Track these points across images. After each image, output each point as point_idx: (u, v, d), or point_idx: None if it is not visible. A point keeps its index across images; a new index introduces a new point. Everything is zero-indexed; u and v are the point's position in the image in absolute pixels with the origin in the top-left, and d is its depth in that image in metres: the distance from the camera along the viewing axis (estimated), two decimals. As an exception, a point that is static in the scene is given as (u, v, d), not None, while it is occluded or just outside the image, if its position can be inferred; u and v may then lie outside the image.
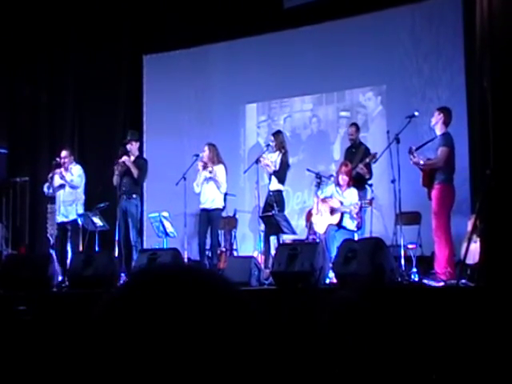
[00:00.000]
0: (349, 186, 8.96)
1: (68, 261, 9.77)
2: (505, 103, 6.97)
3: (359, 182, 9.08)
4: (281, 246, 8.52)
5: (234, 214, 10.50)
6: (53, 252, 9.93)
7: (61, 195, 10.02)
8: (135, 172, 9.68)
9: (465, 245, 7.15)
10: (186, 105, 11.88)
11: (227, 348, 0.83)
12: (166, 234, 9.61)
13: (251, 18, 10.98)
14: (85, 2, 11.90)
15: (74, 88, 12.32)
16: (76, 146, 11.92)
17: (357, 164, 9.09)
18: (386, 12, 10.30)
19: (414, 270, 7.66)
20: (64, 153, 10.14)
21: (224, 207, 9.65)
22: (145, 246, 10.39)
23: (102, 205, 9.87)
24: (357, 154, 9.34)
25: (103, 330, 0.84)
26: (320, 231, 8.91)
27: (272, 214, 9.02)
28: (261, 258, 9.02)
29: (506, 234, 6.51)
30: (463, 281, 6.84)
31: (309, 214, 9.47)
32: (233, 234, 10.45)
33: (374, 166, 9.05)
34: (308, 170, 9.73)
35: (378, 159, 8.69)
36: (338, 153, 10.49)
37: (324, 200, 9.03)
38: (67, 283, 9.04)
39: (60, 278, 9.05)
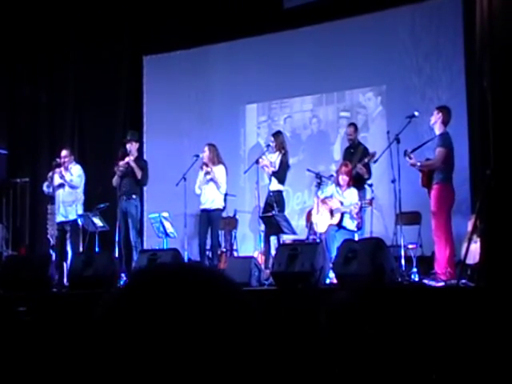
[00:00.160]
0: (349, 186, 8.97)
1: (68, 261, 9.79)
2: (505, 103, 6.97)
3: (358, 181, 9.08)
4: (281, 246, 8.52)
5: (234, 215, 10.50)
6: (53, 253, 9.93)
7: (60, 195, 10.01)
8: (139, 173, 9.67)
9: (465, 245, 7.15)
10: (186, 105, 11.88)
11: (228, 347, 0.83)
12: (166, 235, 9.60)
13: (251, 18, 10.98)
14: (85, 2, 11.90)
15: (74, 88, 12.32)
16: (76, 146, 11.91)
17: (355, 164, 9.10)
18: (386, 12, 10.30)
19: (415, 270, 7.66)
20: (64, 152, 10.13)
21: (224, 207, 9.65)
22: (145, 247, 10.39)
23: (102, 205, 9.87)
24: (355, 154, 9.35)
25: (105, 330, 0.84)
26: (320, 231, 8.90)
27: (272, 214, 9.02)
28: (261, 259, 9.02)
29: (506, 234, 6.51)
30: (463, 281, 6.84)
31: (309, 214, 9.47)
32: (233, 234, 10.45)
33: (374, 166, 9.05)
34: (308, 170, 9.73)
35: (378, 159, 8.68)
36: (338, 153, 10.49)
37: (324, 200, 9.03)
38: (64, 284, 9.06)
39: (56, 279, 9.04)
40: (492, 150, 7.10)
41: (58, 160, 10.09)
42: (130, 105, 12.23)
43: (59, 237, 10.08)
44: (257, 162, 9.43)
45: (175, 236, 9.67)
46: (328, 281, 7.67)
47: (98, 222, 9.76)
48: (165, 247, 9.40)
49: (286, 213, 9.44)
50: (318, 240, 8.80)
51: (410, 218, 8.69)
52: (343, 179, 8.95)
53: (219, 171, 9.42)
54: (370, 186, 9.06)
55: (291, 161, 9.85)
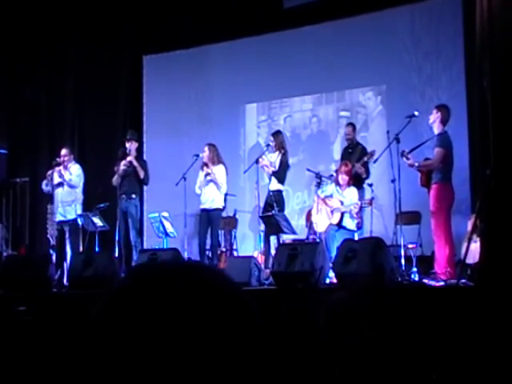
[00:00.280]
0: (349, 185, 8.97)
1: (66, 261, 9.80)
2: (505, 103, 6.97)
3: (356, 181, 9.09)
4: (281, 245, 8.52)
5: (234, 214, 10.50)
6: (53, 253, 9.93)
7: (59, 194, 10.01)
8: (141, 173, 9.67)
9: (465, 245, 7.15)
10: (186, 105, 11.88)
11: (226, 345, 0.82)
12: (166, 234, 9.61)
13: (251, 18, 10.98)
14: (85, 2, 11.89)
15: (73, 88, 12.32)
16: (76, 146, 11.91)
17: (353, 164, 9.10)
18: (386, 12, 10.30)
19: (414, 269, 7.65)
20: (64, 151, 10.13)
21: (224, 207, 9.65)
22: (145, 247, 10.39)
23: (102, 205, 9.87)
24: (354, 153, 9.36)
25: (102, 329, 0.84)
26: (320, 231, 8.91)
27: (272, 213, 9.03)
28: (261, 258, 9.02)
29: (506, 234, 6.51)
30: (463, 280, 6.84)
31: (309, 214, 9.48)
32: (233, 234, 10.45)
33: (374, 166, 9.05)
34: (308, 169, 9.73)
35: (377, 159, 8.67)
36: (337, 153, 10.48)
37: (324, 200, 9.04)
38: (64, 284, 9.06)
39: (56, 279, 9.04)
40: (492, 149, 7.10)
41: (57, 160, 10.10)
42: (130, 104, 12.23)
43: (58, 236, 10.08)
44: (257, 161, 9.43)
45: (175, 236, 9.67)
46: (328, 280, 7.67)
47: (97, 221, 9.76)
48: (165, 247, 9.40)
49: (286, 212, 9.44)
50: (317, 240, 8.80)
51: (410, 217, 8.69)
52: (343, 178, 8.96)
53: (219, 171, 9.42)
54: (370, 185, 9.06)
55: (291, 160, 9.85)
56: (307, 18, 10.61)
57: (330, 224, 8.81)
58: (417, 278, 7.49)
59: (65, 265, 9.75)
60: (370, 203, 8.90)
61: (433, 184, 7.78)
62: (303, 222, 9.84)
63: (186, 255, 9.33)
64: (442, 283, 7.08)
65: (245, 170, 10.04)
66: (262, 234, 9.42)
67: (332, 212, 8.90)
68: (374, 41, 10.32)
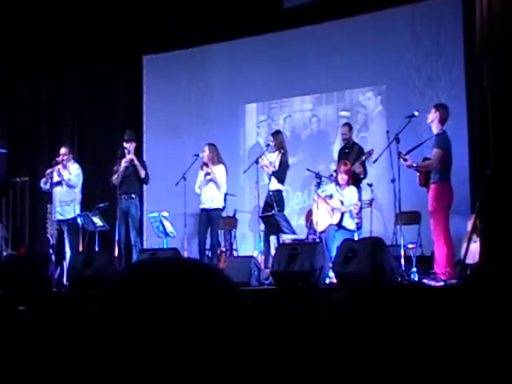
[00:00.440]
0: (348, 184, 8.98)
1: (65, 260, 9.80)
2: (505, 103, 6.97)
3: (354, 181, 9.10)
4: (281, 245, 8.53)
5: (234, 214, 10.50)
6: (52, 252, 9.93)
7: (57, 194, 10.01)
8: (142, 172, 9.67)
9: (465, 245, 7.14)
10: (186, 105, 11.88)
11: (223, 344, 0.82)
12: (166, 234, 9.61)
13: (251, 18, 10.98)
14: (85, 1, 11.89)
15: (73, 88, 12.32)
16: (76, 145, 11.91)
17: (352, 163, 9.11)
18: (386, 12, 10.30)
19: (414, 269, 7.65)
20: (63, 150, 10.14)
21: (224, 207, 9.65)
22: (145, 246, 10.39)
23: (101, 205, 9.87)
24: (351, 153, 9.36)
25: (98, 326, 0.83)
26: (320, 230, 8.91)
27: (272, 213, 9.03)
28: (261, 258, 9.02)
29: (506, 234, 6.51)
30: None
31: (309, 214, 9.48)
32: (233, 233, 10.45)
33: (373, 166, 9.04)
34: (308, 169, 9.74)
35: (377, 159, 8.66)
36: (337, 153, 10.49)
37: (324, 200, 9.04)
38: (64, 283, 9.06)
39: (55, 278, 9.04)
40: (492, 149, 7.10)
41: (57, 159, 10.10)
42: (130, 104, 12.23)
43: (57, 236, 10.09)
44: (256, 161, 9.44)
45: (175, 235, 9.67)
46: (328, 280, 7.68)
47: (97, 221, 9.76)
48: (164, 247, 9.40)
49: (286, 212, 9.44)
50: (317, 240, 8.80)
51: (410, 217, 8.69)
52: (342, 178, 8.96)
53: (219, 171, 9.42)
54: (370, 185, 9.06)
55: (291, 160, 9.86)
56: (307, 18, 10.60)
57: (330, 224, 8.81)
58: (416, 278, 7.49)
59: (64, 264, 9.76)
60: (370, 204, 8.90)
61: (431, 184, 7.79)
62: (303, 222, 9.84)
63: (185, 255, 9.32)
64: (441, 283, 7.08)
65: (245, 169, 10.03)
66: (262, 234, 9.42)
67: (332, 211, 8.90)
68: (374, 41, 10.32)
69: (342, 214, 8.81)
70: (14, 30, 12.18)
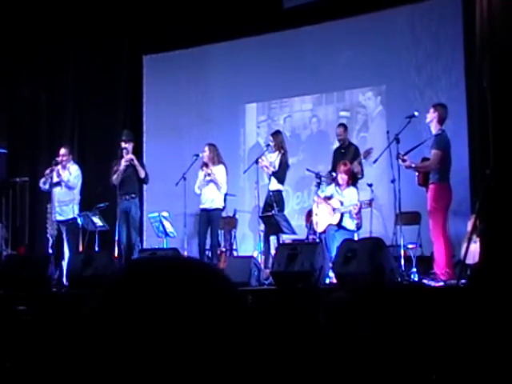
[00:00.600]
0: (348, 185, 8.98)
1: (64, 261, 9.81)
2: (505, 103, 6.97)
3: (352, 180, 9.12)
4: (281, 245, 8.53)
5: (234, 214, 10.50)
6: (52, 252, 9.94)
7: (56, 194, 10.02)
8: (142, 172, 9.67)
9: (465, 245, 7.14)
10: (186, 105, 11.87)
11: (221, 343, 0.81)
12: (166, 234, 9.61)
13: (251, 18, 10.97)
14: (84, 2, 11.89)
15: (73, 88, 12.32)
16: (76, 145, 11.91)
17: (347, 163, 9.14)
18: (386, 12, 10.30)
19: (414, 269, 7.66)
20: (63, 151, 10.14)
21: (224, 207, 9.65)
22: (144, 246, 10.39)
23: (101, 205, 9.87)
24: (347, 154, 9.36)
25: (96, 324, 0.83)
26: (320, 231, 8.91)
27: (272, 213, 9.03)
28: (261, 258, 9.02)
29: (506, 234, 6.51)
30: (463, 281, 6.84)
31: (308, 214, 9.48)
32: (233, 233, 10.44)
33: (373, 166, 9.03)
34: (308, 169, 9.74)
35: (377, 159, 8.65)
36: (333, 153, 10.47)
37: (324, 200, 9.04)
38: (63, 283, 9.06)
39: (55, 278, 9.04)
40: (492, 150, 7.10)
41: (57, 159, 10.11)
42: (130, 104, 12.23)
43: (57, 236, 10.10)
44: (256, 161, 9.44)
45: (175, 235, 9.67)
46: (328, 280, 7.68)
47: (97, 221, 9.76)
48: (164, 247, 9.40)
49: (286, 212, 9.44)
50: (317, 240, 8.81)
51: (410, 217, 8.69)
52: (342, 178, 8.96)
53: (219, 171, 9.42)
54: (370, 186, 9.06)
55: (291, 160, 9.86)
56: (307, 17, 10.60)
57: (330, 224, 8.81)
58: (416, 279, 7.49)
59: (63, 264, 9.77)
60: (370, 204, 8.90)
61: (430, 184, 7.79)
62: (303, 222, 9.84)
63: (185, 255, 9.32)
64: (441, 284, 7.08)
65: (245, 170, 10.04)
66: (262, 234, 9.42)
67: (333, 211, 8.90)
68: (374, 41, 10.32)
69: (342, 215, 8.82)
70: (14, 30, 12.18)
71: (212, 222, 9.39)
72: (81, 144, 12.16)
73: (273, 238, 9.36)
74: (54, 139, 12.07)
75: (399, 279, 7.19)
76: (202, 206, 9.47)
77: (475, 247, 7.21)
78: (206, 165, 9.45)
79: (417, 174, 7.99)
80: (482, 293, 5.88)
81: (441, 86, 9.89)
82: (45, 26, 12.18)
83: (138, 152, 10.49)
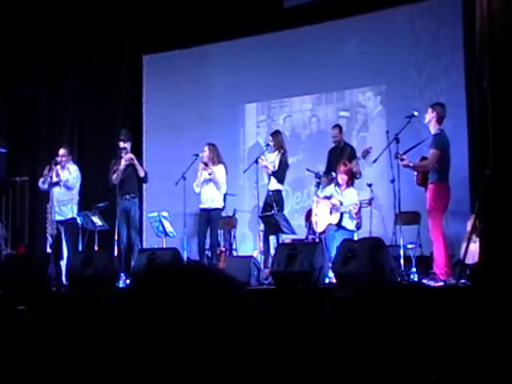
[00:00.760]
0: (348, 185, 8.98)
1: (63, 260, 9.81)
2: (504, 103, 6.97)
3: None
4: (280, 245, 8.52)
5: (234, 214, 10.50)
6: (52, 252, 9.94)
7: (55, 194, 10.02)
8: (142, 171, 9.67)
9: (464, 245, 7.15)
10: (186, 105, 11.87)
11: (233, 347, 0.84)
12: (166, 234, 9.61)
13: (251, 17, 10.97)
14: (84, 2, 11.89)
15: (73, 88, 12.32)
16: (75, 145, 11.92)
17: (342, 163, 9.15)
18: (386, 12, 10.29)
19: (414, 269, 7.65)
20: (62, 151, 10.15)
21: (223, 207, 9.65)
22: (144, 246, 10.39)
23: (101, 204, 9.87)
24: (343, 154, 9.37)
25: (112, 328, 0.85)
26: (319, 230, 8.91)
27: (271, 213, 9.03)
28: (260, 258, 9.02)
29: (506, 234, 6.52)
30: (462, 281, 6.84)
31: (308, 214, 9.48)
32: (232, 233, 10.44)
33: (373, 166, 9.03)
34: (307, 169, 9.74)
35: (377, 159, 8.65)
36: (327, 154, 10.45)
37: (324, 200, 9.04)
38: (62, 283, 9.06)
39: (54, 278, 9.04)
40: (492, 150, 7.10)
41: (56, 159, 10.11)
42: (130, 104, 12.23)
43: (56, 236, 10.11)
44: (256, 161, 9.44)
45: (174, 235, 9.67)
46: (327, 280, 7.68)
47: (97, 221, 9.76)
48: (164, 246, 9.40)
49: (286, 212, 9.45)
50: (317, 240, 8.81)
51: (410, 217, 8.69)
52: (342, 178, 8.96)
53: (219, 171, 9.42)
54: (370, 185, 9.06)
55: (290, 160, 9.86)
56: (307, 17, 10.60)
57: (330, 224, 8.81)
58: (416, 279, 7.49)
59: (61, 264, 9.77)
60: (370, 203, 8.90)
61: (429, 184, 7.80)
62: (302, 222, 9.84)
63: (185, 255, 9.33)
64: (441, 283, 7.08)
65: (244, 169, 10.05)
66: (262, 234, 9.42)
67: (331, 212, 8.90)
68: (374, 41, 10.32)
69: (342, 214, 8.81)
70: (14, 30, 12.17)
71: (212, 221, 9.39)
72: (80, 143, 12.16)
73: (272, 238, 9.36)
74: (53, 139, 12.07)
75: (399, 279, 7.19)
76: (201, 206, 9.47)
77: (475, 247, 7.22)
78: (205, 164, 9.45)
79: (415, 173, 7.99)
80: (482, 293, 5.88)
81: (440, 85, 9.89)
82: (45, 25, 12.18)
83: (137, 152, 10.49)
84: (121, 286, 8.76)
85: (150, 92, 12.25)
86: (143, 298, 0.87)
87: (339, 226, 8.80)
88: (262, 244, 9.40)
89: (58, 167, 10.03)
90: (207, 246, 9.49)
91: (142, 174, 9.68)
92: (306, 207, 10.04)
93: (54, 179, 10.01)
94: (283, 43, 10.97)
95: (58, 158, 10.07)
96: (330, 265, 7.65)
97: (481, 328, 5.04)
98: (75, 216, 10.04)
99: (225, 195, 9.63)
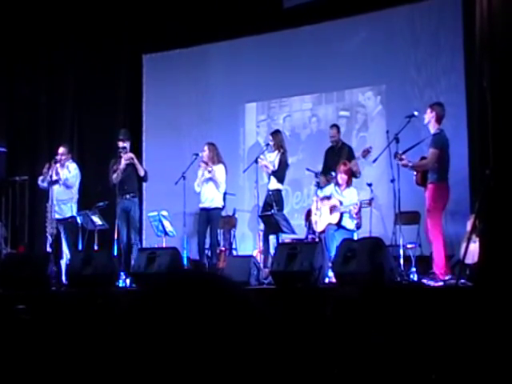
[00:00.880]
0: (348, 185, 8.98)
1: (62, 259, 9.81)
2: (504, 103, 6.97)
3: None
4: (280, 245, 8.53)
5: (234, 214, 10.50)
6: (51, 251, 9.94)
7: (55, 193, 10.02)
8: (142, 170, 9.67)
9: (464, 245, 7.15)
10: (186, 104, 11.87)
11: (234, 348, 0.86)
12: (166, 233, 9.61)
13: (251, 17, 10.97)
14: (84, 1, 11.88)
15: (73, 87, 12.32)
16: (75, 145, 11.91)
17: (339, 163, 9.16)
18: (386, 12, 10.29)
19: (413, 269, 7.66)
20: (61, 149, 10.15)
21: (223, 206, 9.65)
22: (144, 246, 10.39)
23: (101, 204, 9.87)
24: (341, 155, 9.37)
25: (126, 330, 0.86)
26: (319, 230, 8.91)
27: (271, 213, 9.03)
28: (260, 258, 9.02)
29: (506, 234, 6.52)
30: (462, 281, 6.84)
31: (308, 214, 9.48)
32: (232, 233, 10.45)
33: (373, 166, 9.04)
34: (307, 169, 9.75)
35: (377, 159, 8.65)
36: (324, 154, 10.44)
37: (323, 200, 9.04)
38: (62, 282, 9.07)
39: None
40: (491, 149, 7.10)
41: (56, 158, 10.12)
42: (130, 104, 12.22)
43: (56, 235, 10.11)
44: (256, 161, 9.44)
45: (174, 235, 9.67)
46: (327, 280, 7.68)
47: (97, 220, 9.77)
48: (164, 246, 9.40)
49: (285, 212, 9.45)
50: (317, 239, 8.81)
51: (409, 217, 8.69)
52: (342, 178, 8.97)
53: (219, 170, 9.42)
54: (370, 185, 9.06)
55: (290, 160, 9.86)
56: (307, 17, 10.60)
57: (329, 224, 8.81)
58: (416, 278, 7.49)
59: (61, 263, 9.77)
60: (370, 203, 8.90)
61: (429, 184, 7.80)
62: (302, 222, 9.84)
63: (185, 254, 9.33)
64: (440, 283, 7.09)
65: (244, 169, 10.05)
66: (261, 234, 9.42)
67: (331, 211, 8.90)
68: (374, 40, 10.32)
69: (342, 214, 8.82)
70: (14, 29, 12.17)
71: (211, 221, 9.39)
72: (80, 143, 12.16)
73: (272, 238, 9.36)
74: (53, 138, 12.07)
75: (399, 279, 7.19)
76: (201, 206, 9.47)
77: (474, 247, 7.22)
78: (205, 163, 9.45)
79: (415, 173, 7.99)
80: (482, 293, 5.88)
81: (440, 85, 9.89)
82: (45, 25, 12.18)
83: (137, 152, 10.49)
84: (121, 285, 8.78)
85: (150, 92, 12.25)
86: (151, 304, 0.88)
87: (339, 225, 8.80)
88: (261, 243, 9.41)
89: (58, 165, 10.03)
90: (207, 246, 9.49)
91: (142, 173, 9.68)
92: (306, 207, 10.04)
93: (54, 178, 10.01)
94: (283, 43, 10.97)
95: (58, 157, 10.07)
96: (330, 264, 7.65)
97: (481, 328, 5.05)
98: (74, 215, 10.04)
99: (224, 195, 9.63)
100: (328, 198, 9.02)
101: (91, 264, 8.41)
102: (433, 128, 7.90)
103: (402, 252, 7.69)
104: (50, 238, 10.27)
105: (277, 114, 11.39)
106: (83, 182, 10.36)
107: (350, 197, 8.87)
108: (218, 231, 9.79)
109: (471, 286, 6.72)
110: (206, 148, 9.50)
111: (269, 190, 9.46)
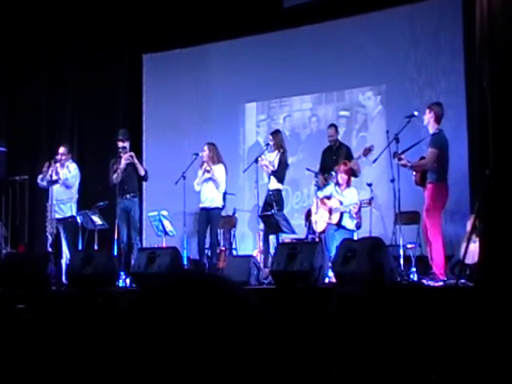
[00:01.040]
0: (348, 184, 8.99)
1: (62, 259, 9.81)
2: (504, 103, 6.97)
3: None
4: (280, 245, 8.53)
5: (234, 213, 10.51)
6: (51, 250, 9.94)
7: (55, 192, 10.03)
8: (142, 170, 9.67)
9: (464, 245, 7.15)
10: (186, 104, 11.88)
11: (234, 348, 0.86)
12: (166, 233, 9.61)
13: (251, 17, 10.98)
14: (84, 1, 11.88)
15: (73, 87, 12.32)
16: (75, 145, 11.92)
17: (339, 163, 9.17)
18: (386, 12, 10.30)
19: (413, 269, 7.66)
20: (62, 149, 10.15)
21: (223, 206, 9.65)
22: (144, 245, 10.39)
23: (101, 203, 9.87)
24: (338, 155, 9.37)
25: (126, 330, 0.87)
26: (319, 230, 8.92)
27: (271, 213, 9.03)
28: (260, 257, 9.02)
29: (506, 234, 6.51)
30: (462, 280, 6.84)
31: (308, 214, 9.48)
32: (232, 233, 10.45)
33: (373, 166, 9.04)
34: (307, 169, 9.75)
35: (377, 159, 8.65)
36: (322, 153, 10.45)
37: (323, 200, 9.04)
38: (62, 282, 9.07)
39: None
40: (491, 149, 7.10)
41: (56, 158, 10.12)
42: (130, 104, 12.23)
43: (56, 234, 10.12)
44: (256, 161, 9.45)
45: (174, 234, 9.67)
46: (327, 280, 7.68)
47: (97, 220, 9.77)
48: (164, 246, 9.40)
49: (285, 212, 9.45)
50: (317, 239, 8.81)
51: (409, 217, 8.69)
52: (342, 178, 8.97)
53: (219, 170, 9.43)
54: (370, 185, 9.07)
55: (290, 160, 9.86)
56: (307, 17, 10.60)
57: (329, 224, 8.81)
58: (416, 278, 7.49)
59: (62, 263, 9.77)
60: (370, 203, 8.90)
61: (428, 184, 7.80)
62: (302, 222, 9.84)
63: (185, 254, 9.33)
64: (440, 283, 7.09)
65: (244, 169, 10.05)
66: (261, 233, 9.42)
67: (331, 211, 8.90)
68: (374, 40, 10.32)
69: (342, 214, 8.82)
70: (14, 29, 12.17)
71: (211, 221, 9.39)
72: (80, 143, 12.16)
73: (272, 238, 9.36)
74: (53, 138, 12.07)
75: (398, 279, 7.19)
76: (201, 205, 9.47)
77: (474, 247, 7.22)
78: (205, 163, 9.45)
79: (414, 173, 8.00)
80: (482, 293, 5.88)
81: (440, 85, 9.89)
82: (45, 25, 12.17)
83: (137, 151, 10.48)
84: (121, 285, 8.78)
85: (150, 91, 12.25)
86: (150, 304, 0.88)
87: (339, 225, 8.81)
88: (261, 243, 9.41)
89: (58, 165, 10.03)
90: (207, 246, 9.49)
91: (142, 173, 9.68)
92: (306, 207, 10.05)
93: (54, 177, 10.01)
94: (283, 43, 10.98)
95: (58, 156, 10.07)
96: (330, 264, 7.65)
97: (480, 328, 5.05)
98: (74, 214, 10.04)
99: (224, 194, 9.64)
100: (328, 197, 9.03)
101: (91, 264, 8.41)
102: (432, 128, 7.90)
103: (401, 252, 7.69)
104: (49, 237, 10.27)
105: (277, 114, 11.39)
106: (83, 181, 10.36)
107: (350, 197, 8.88)
108: (218, 231, 9.79)
109: (471, 286, 6.72)
110: (205, 148, 9.50)
111: (269, 190, 9.46)
